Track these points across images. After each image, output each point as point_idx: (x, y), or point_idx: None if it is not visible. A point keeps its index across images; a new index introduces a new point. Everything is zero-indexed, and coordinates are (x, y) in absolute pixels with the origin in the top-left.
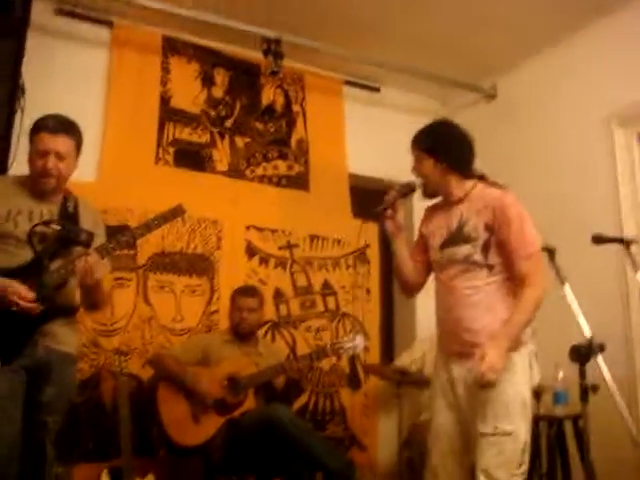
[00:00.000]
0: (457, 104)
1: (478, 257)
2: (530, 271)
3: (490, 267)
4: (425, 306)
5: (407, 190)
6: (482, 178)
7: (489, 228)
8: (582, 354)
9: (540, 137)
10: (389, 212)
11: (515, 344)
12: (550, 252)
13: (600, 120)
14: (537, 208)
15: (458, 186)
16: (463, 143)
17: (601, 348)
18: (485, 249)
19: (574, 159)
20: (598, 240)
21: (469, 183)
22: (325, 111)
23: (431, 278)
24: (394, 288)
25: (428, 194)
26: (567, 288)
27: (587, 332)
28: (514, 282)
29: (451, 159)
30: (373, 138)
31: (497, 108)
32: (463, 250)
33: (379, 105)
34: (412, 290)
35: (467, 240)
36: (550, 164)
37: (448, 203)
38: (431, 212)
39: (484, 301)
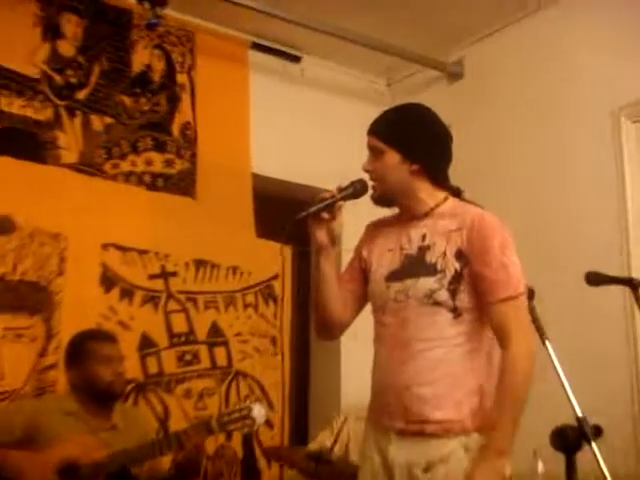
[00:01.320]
0: (407, 84)
1: (443, 296)
2: (511, 323)
3: (457, 312)
4: (355, 365)
5: (354, 191)
6: (458, 193)
7: (462, 256)
8: (570, 440)
9: (520, 133)
10: (326, 216)
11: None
12: (527, 295)
13: (605, 113)
14: (511, 231)
15: (426, 196)
16: (444, 141)
17: (596, 432)
18: (454, 285)
19: (566, 165)
20: (595, 280)
21: (440, 194)
22: (223, 85)
23: (365, 321)
24: (311, 338)
25: (381, 200)
26: (549, 347)
27: (577, 409)
28: (487, 337)
29: (426, 159)
30: (289, 127)
31: (463, 91)
32: (424, 284)
33: (299, 81)
34: (333, 329)
35: (431, 271)
36: (533, 170)
37: (405, 218)
38: (375, 229)
39: (445, 360)
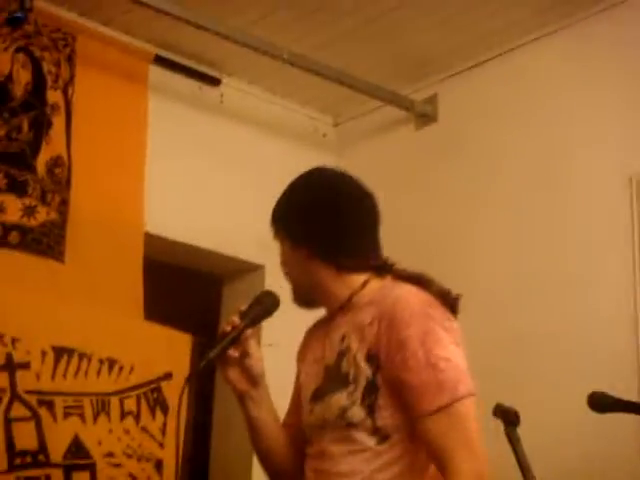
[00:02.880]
0: (361, 126)
1: (358, 415)
2: (449, 438)
3: (382, 434)
4: None
5: (263, 309)
6: (387, 270)
7: (372, 358)
8: None
9: (509, 198)
10: (235, 354)
11: None
12: (509, 422)
13: (621, 180)
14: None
15: (335, 285)
16: (342, 207)
17: None
18: (369, 400)
19: (567, 244)
20: (601, 404)
21: (357, 279)
22: (112, 110)
23: None
24: (211, 465)
25: (300, 301)
26: None
27: None
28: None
29: (312, 238)
30: (199, 173)
31: (435, 139)
32: (336, 402)
33: (216, 113)
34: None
35: (343, 383)
36: (522, 249)
37: (330, 315)
38: (310, 336)
39: None
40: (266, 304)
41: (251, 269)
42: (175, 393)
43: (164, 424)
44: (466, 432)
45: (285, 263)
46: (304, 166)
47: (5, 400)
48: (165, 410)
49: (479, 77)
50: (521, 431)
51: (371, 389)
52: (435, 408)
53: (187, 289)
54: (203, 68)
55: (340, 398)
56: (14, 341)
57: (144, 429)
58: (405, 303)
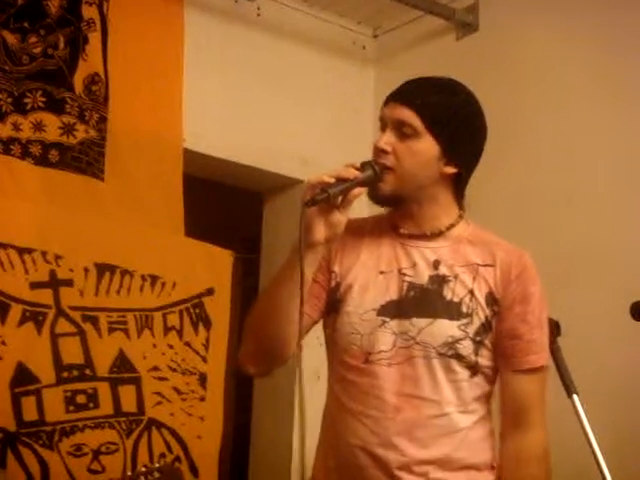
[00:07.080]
0: (401, 37)
1: (467, 349)
2: (535, 401)
3: (475, 370)
4: (314, 415)
5: (374, 175)
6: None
7: (494, 302)
8: None
9: (555, 112)
10: (338, 202)
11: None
12: (552, 330)
13: None
14: (530, 240)
15: (443, 210)
16: (483, 145)
17: None
18: (480, 337)
19: (619, 157)
20: None
21: (455, 211)
22: (148, 26)
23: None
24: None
25: (390, 198)
26: (577, 401)
27: (607, 475)
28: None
29: (466, 165)
30: (237, 87)
31: (476, 49)
32: (443, 329)
33: (252, 26)
34: (277, 361)
35: (453, 312)
36: (566, 165)
37: (404, 233)
38: (350, 235)
39: (464, 430)
40: (377, 172)
41: (291, 184)
42: (217, 308)
43: (207, 339)
44: (544, 397)
45: (410, 158)
46: (343, 80)
47: (50, 316)
48: (208, 325)
49: None
50: (562, 341)
51: (484, 329)
52: (536, 366)
53: (228, 205)
54: None
55: (450, 327)
56: (57, 258)
57: (187, 344)
58: (530, 260)
